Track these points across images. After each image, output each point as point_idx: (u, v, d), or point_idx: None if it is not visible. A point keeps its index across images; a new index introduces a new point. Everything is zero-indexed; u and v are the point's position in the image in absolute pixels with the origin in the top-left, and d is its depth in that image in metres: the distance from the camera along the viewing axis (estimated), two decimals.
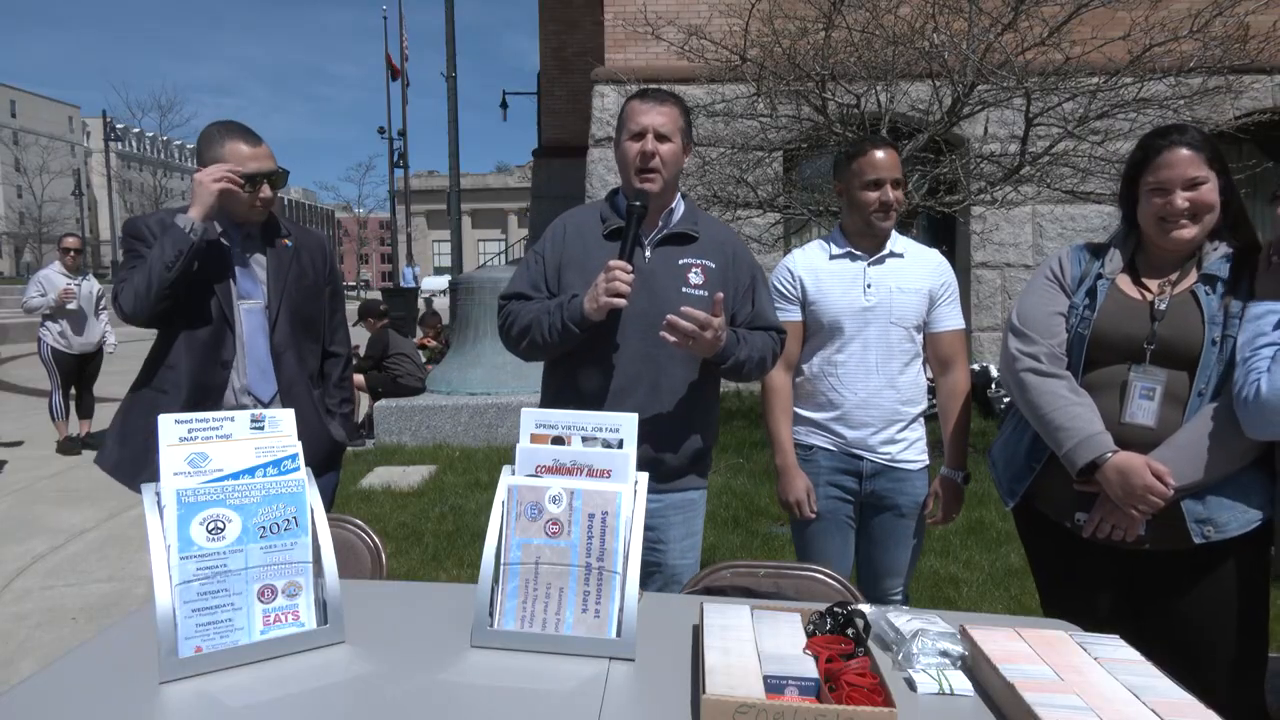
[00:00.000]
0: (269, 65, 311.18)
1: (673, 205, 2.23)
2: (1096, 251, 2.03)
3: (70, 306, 7.07)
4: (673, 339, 1.99)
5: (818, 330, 2.43)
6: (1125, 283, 1.96)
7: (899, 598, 2.50)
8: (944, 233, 9.89)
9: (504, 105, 24.45)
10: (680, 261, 2.17)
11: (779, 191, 7.10)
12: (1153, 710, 1.17)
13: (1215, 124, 6.73)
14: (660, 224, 2.20)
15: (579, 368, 2.16)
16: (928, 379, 2.51)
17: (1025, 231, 9.68)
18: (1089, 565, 2.00)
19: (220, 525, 1.41)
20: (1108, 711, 1.17)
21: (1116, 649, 1.41)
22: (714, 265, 2.19)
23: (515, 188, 46.00)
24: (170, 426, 1.45)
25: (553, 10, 15.17)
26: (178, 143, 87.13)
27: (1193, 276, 1.90)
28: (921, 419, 2.47)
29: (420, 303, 16.43)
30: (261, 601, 1.43)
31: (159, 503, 1.39)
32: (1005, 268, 9.66)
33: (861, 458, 2.41)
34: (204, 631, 1.37)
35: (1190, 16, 5.77)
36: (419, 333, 9.92)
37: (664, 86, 2.44)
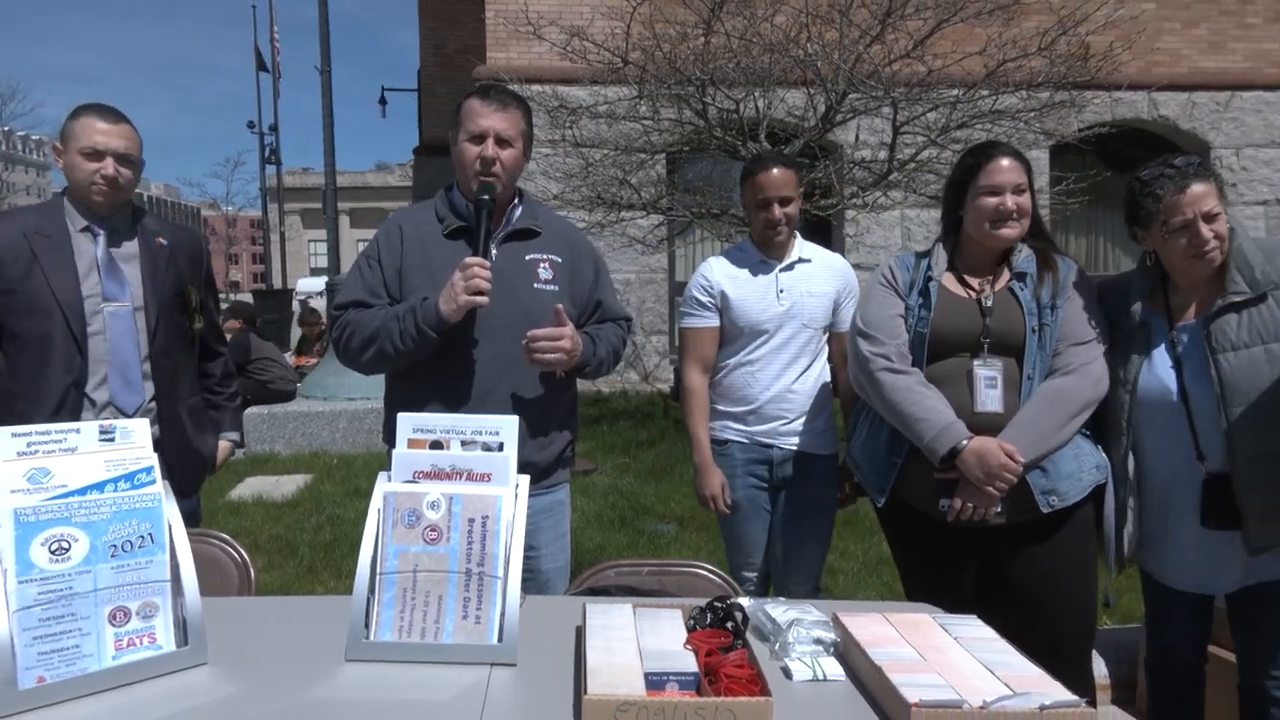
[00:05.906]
0: (131, 52, 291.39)
1: (514, 201, 2.19)
2: (919, 259, 2.24)
3: None
4: (545, 358, 1.97)
5: (736, 335, 2.55)
6: (950, 282, 2.17)
7: (810, 588, 2.59)
8: (820, 235, 10.22)
9: (383, 102, 23.66)
10: (527, 257, 2.14)
11: (662, 194, 7.18)
12: (1005, 684, 1.25)
13: (1061, 135, 7.25)
14: (504, 220, 2.16)
15: (434, 374, 2.06)
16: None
17: (895, 234, 10.15)
18: (950, 547, 2.14)
19: (65, 545, 1.31)
20: (965, 688, 1.24)
21: (974, 629, 1.50)
22: (560, 259, 2.17)
23: (396, 186, 44.56)
24: (6, 440, 1.33)
25: (432, 6, 14.83)
26: (20, 134, 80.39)
27: (1006, 275, 2.14)
28: (829, 409, 2.63)
29: (295, 304, 15.79)
30: (113, 625, 1.34)
31: None
32: (877, 269, 10.08)
33: (771, 446, 2.54)
34: (47, 660, 1.27)
35: (1038, 34, 6.21)
36: (294, 347, 9.47)
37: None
